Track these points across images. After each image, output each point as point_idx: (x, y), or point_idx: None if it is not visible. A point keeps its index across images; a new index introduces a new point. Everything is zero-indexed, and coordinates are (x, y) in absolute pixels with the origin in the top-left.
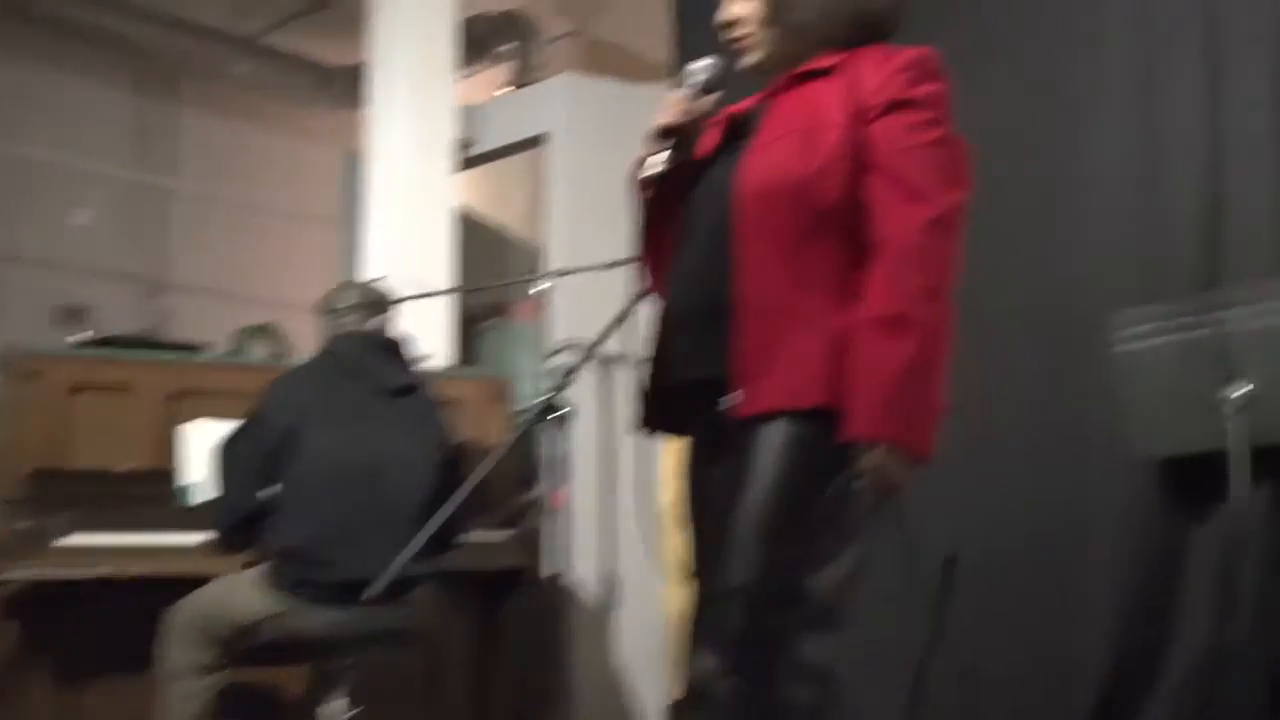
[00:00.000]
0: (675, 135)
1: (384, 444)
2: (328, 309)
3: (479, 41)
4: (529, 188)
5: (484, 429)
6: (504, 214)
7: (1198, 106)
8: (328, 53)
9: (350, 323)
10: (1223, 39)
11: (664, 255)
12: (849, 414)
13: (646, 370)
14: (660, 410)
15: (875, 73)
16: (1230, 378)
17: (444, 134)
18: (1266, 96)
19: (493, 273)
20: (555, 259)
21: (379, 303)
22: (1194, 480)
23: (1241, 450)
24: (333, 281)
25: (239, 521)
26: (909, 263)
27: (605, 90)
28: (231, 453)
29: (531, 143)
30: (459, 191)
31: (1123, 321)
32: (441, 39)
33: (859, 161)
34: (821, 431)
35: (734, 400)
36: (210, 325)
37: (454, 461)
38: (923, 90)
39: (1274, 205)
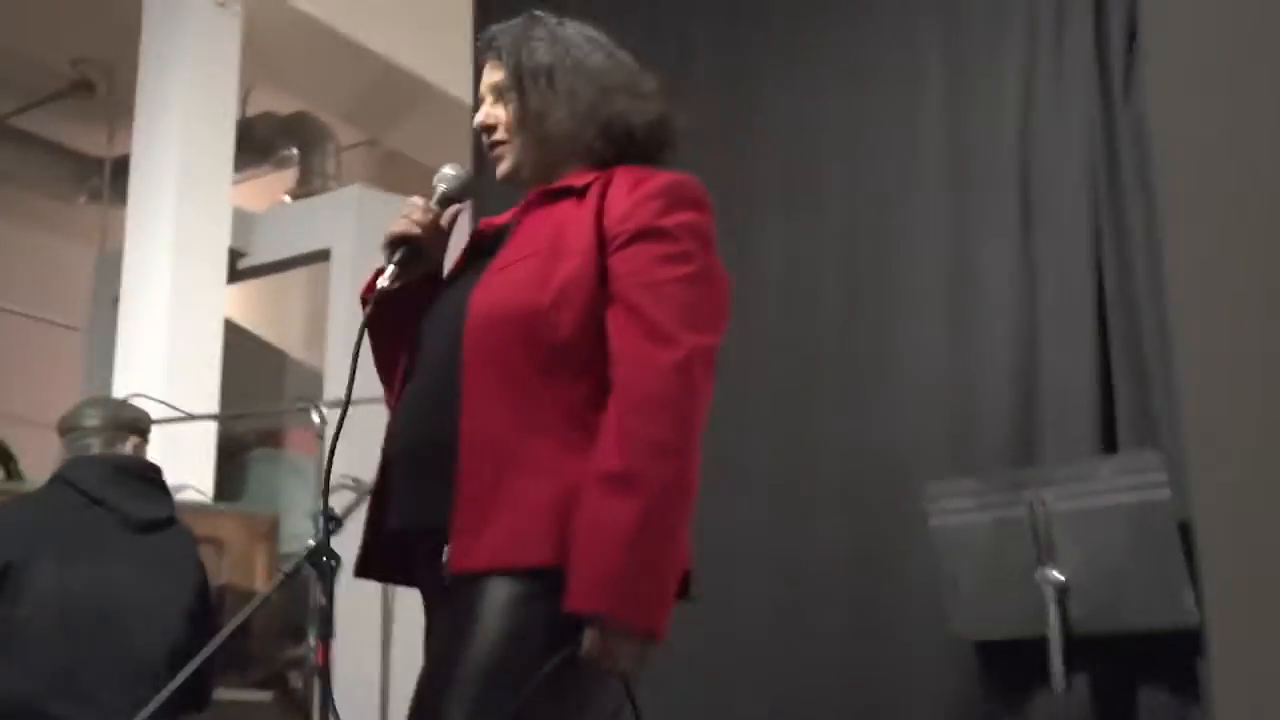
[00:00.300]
0: (406, 247)
1: (125, 585)
2: (68, 428)
3: (261, 143)
4: (311, 305)
5: (246, 572)
6: (282, 334)
7: (1014, 281)
8: (90, 142)
9: (94, 445)
10: (1037, 216)
11: (397, 382)
12: (568, 583)
13: (370, 512)
14: (385, 557)
15: (625, 197)
16: (1046, 560)
17: (215, 239)
18: (1082, 271)
19: (264, 396)
20: (334, 385)
21: (130, 424)
22: (1014, 664)
23: (1058, 637)
24: (76, 396)
25: None
26: (643, 412)
27: (398, 206)
28: None
29: (314, 257)
30: (230, 305)
31: (937, 493)
32: (218, 136)
33: (600, 294)
34: (546, 594)
35: (451, 553)
36: None
37: (208, 609)
38: (674, 220)
39: (1090, 383)
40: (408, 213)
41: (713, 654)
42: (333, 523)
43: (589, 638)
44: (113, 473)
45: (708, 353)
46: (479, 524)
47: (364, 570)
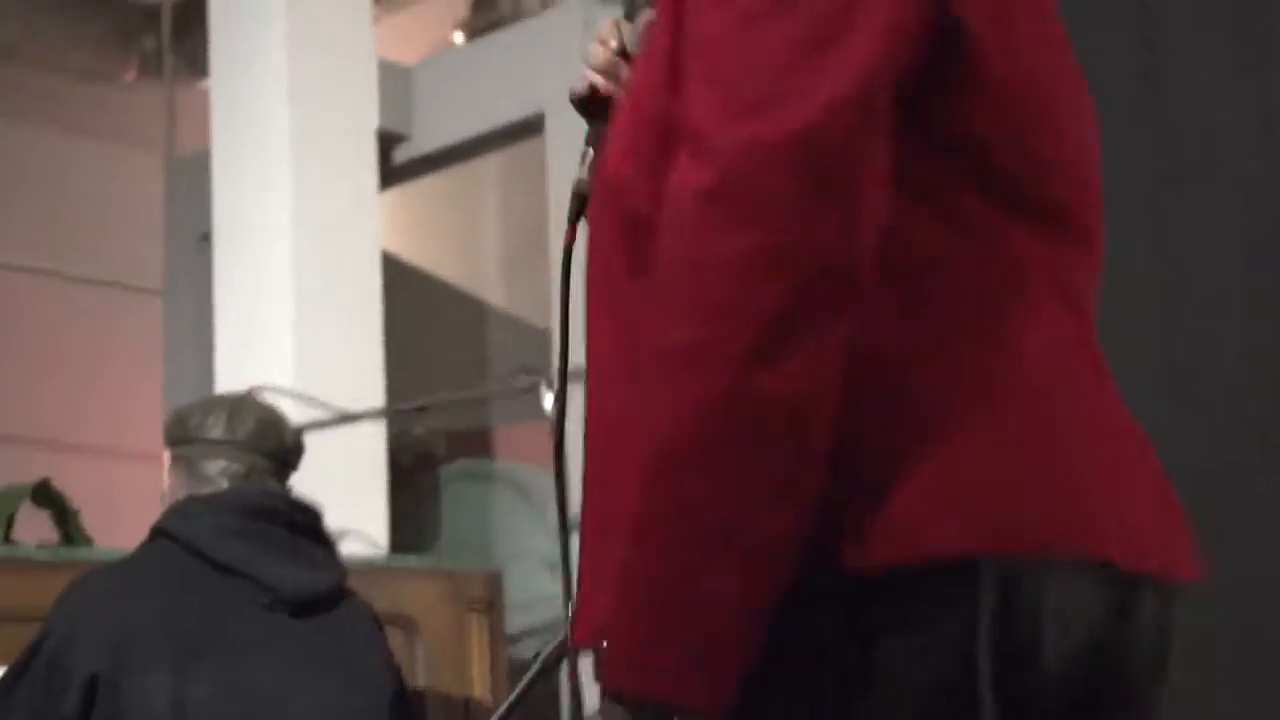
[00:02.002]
0: (595, 113)
1: (275, 698)
2: (177, 441)
3: None
4: (508, 218)
5: (455, 666)
6: (465, 269)
7: None
8: None
9: (228, 472)
10: None
11: None
12: None
13: None
14: None
15: None
16: None
17: (356, 117)
18: None
19: (457, 374)
20: (570, 345)
21: (276, 446)
22: None
23: None
24: (153, 404)
25: None
26: (662, 296)
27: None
28: None
29: (517, 131)
30: (383, 226)
31: None
32: None
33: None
34: None
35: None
36: None
37: None
38: None
39: None
40: (588, 55)
41: None
42: None
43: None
44: (246, 521)
45: (779, 148)
46: (594, 566)
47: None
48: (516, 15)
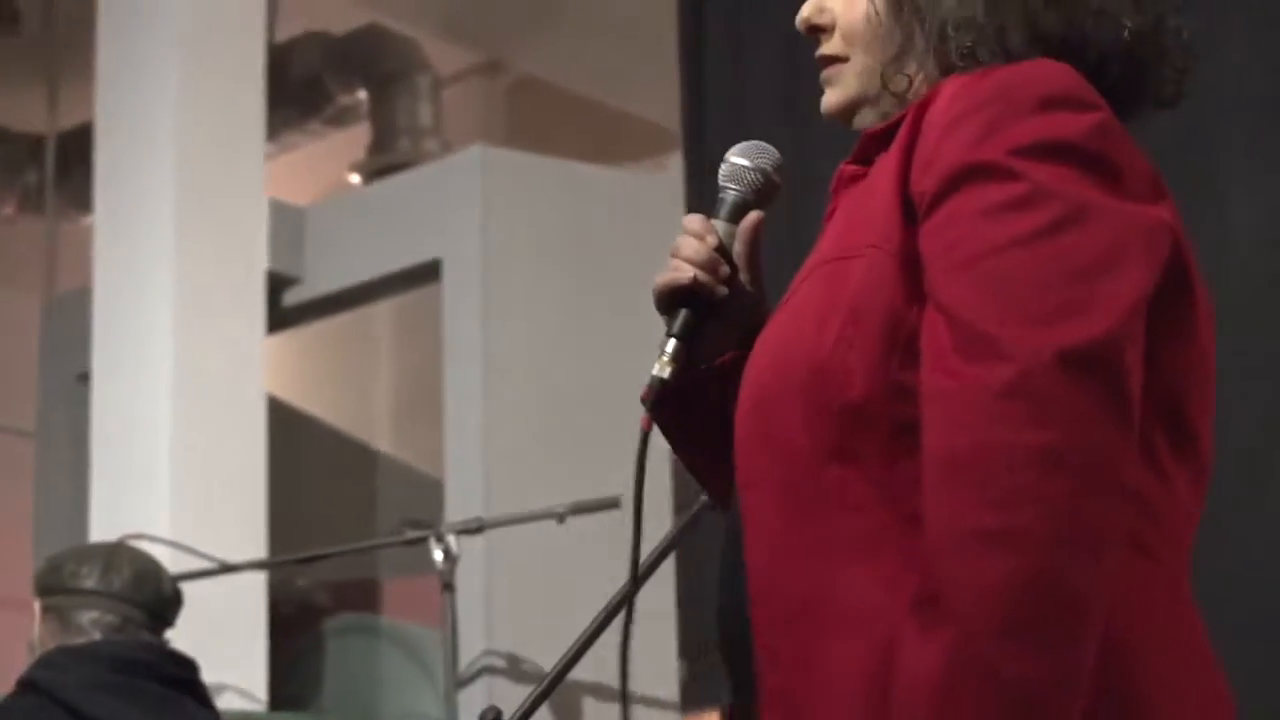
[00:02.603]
0: (687, 308)
1: None
2: (60, 586)
3: (304, 86)
4: (402, 361)
5: None
6: (349, 413)
7: None
8: (18, 110)
9: (101, 623)
10: None
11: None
12: None
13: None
14: None
15: (937, 122)
16: None
17: (244, 259)
18: None
19: (342, 525)
20: (462, 497)
21: (162, 589)
22: None
23: None
24: (23, 548)
25: None
26: (949, 483)
27: (546, 174)
28: None
29: (412, 277)
30: (267, 369)
31: None
32: (239, 79)
33: (913, 305)
34: None
35: None
36: None
37: None
38: (1007, 139)
39: None
40: (677, 247)
41: None
42: None
43: None
44: (117, 674)
45: (1082, 356)
46: (783, 713)
47: None
48: (415, 159)
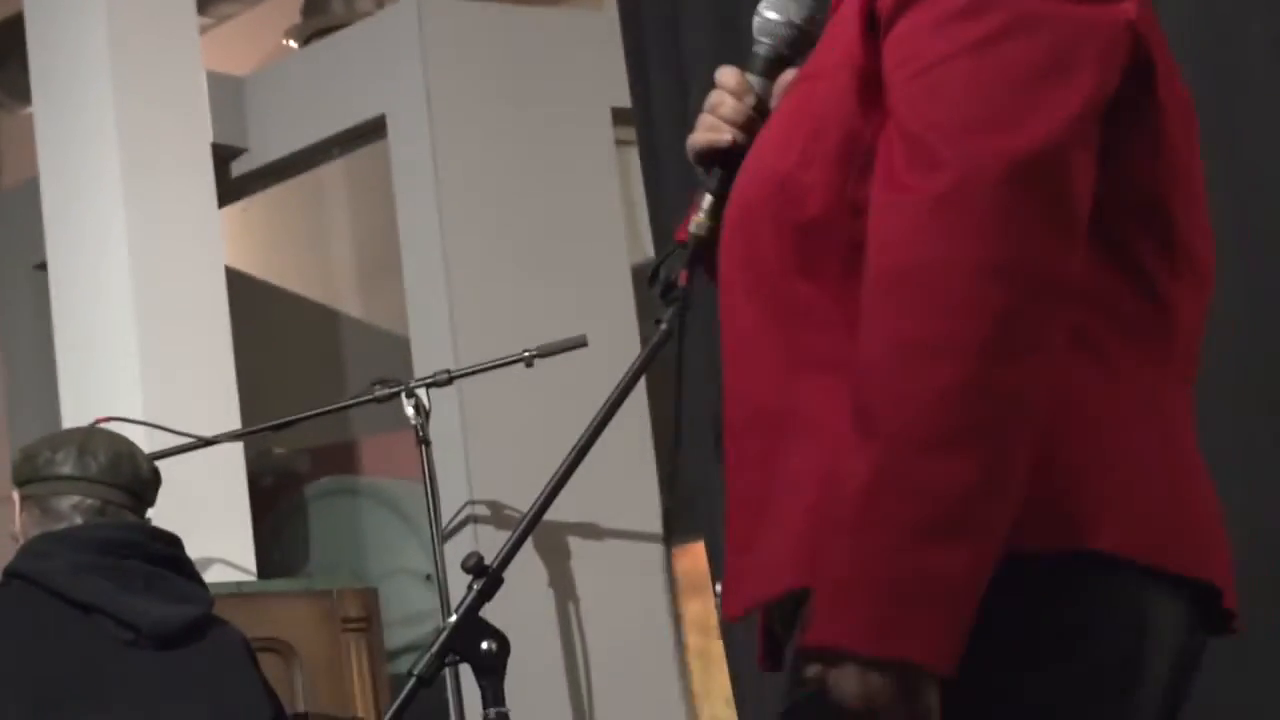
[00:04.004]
0: (721, 167)
1: None
2: (36, 474)
3: None
4: (360, 223)
5: (335, 686)
6: (311, 279)
7: None
8: None
9: (82, 508)
10: None
11: None
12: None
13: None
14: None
15: None
16: None
17: (189, 132)
18: None
19: (314, 388)
20: (429, 353)
21: (139, 469)
22: None
23: None
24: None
25: None
26: (885, 294)
27: (500, 20)
28: None
29: (356, 135)
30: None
31: None
32: None
33: (870, 122)
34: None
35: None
36: None
37: None
38: None
39: None
40: (715, 104)
41: None
42: (480, 578)
43: (811, 670)
44: (102, 556)
45: (1020, 163)
46: (748, 538)
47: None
48: (350, 18)
